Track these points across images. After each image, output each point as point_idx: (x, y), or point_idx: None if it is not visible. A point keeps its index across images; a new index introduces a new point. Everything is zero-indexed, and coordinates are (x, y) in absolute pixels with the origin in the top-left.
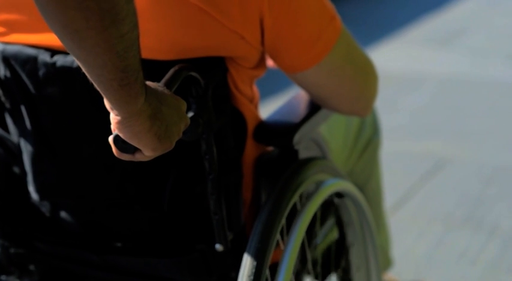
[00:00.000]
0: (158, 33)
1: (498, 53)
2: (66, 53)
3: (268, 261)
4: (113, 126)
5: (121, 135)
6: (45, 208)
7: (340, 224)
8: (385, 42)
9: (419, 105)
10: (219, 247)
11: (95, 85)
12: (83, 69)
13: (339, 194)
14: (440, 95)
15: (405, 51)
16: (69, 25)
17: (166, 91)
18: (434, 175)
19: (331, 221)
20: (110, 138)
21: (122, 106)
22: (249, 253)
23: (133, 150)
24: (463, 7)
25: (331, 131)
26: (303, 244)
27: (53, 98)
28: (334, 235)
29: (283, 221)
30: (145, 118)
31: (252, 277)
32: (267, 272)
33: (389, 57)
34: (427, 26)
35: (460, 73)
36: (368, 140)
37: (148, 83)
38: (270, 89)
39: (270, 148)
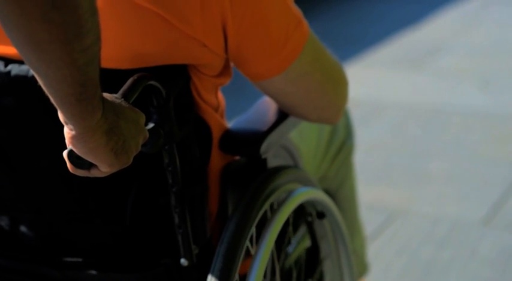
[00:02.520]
0: (116, 42)
1: (473, 77)
2: (20, 62)
3: (235, 276)
4: (67, 141)
5: (75, 150)
6: (4, 222)
7: (312, 233)
8: (351, 62)
9: (375, 140)
10: (184, 261)
11: (51, 99)
12: (40, 83)
13: (320, 214)
14: (401, 127)
15: (370, 74)
16: (31, 37)
17: (124, 103)
18: (382, 232)
19: (302, 229)
20: (65, 153)
21: (78, 121)
22: (214, 270)
23: (88, 166)
24: (440, 24)
25: (303, 136)
26: (274, 254)
27: (8, 109)
28: (306, 243)
29: (253, 230)
30: (101, 133)
31: None
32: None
33: (352, 79)
34: (399, 44)
35: (427, 101)
36: (341, 144)
37: (105, 95)
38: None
39: (237, 157)
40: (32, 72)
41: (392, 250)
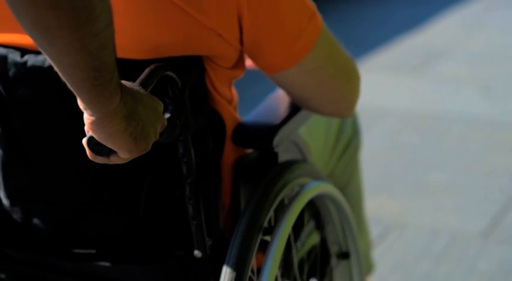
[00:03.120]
0: (133, 32)
1: (474, 83)
2: (37, 52)
3: (249, 270)
4: (86, 127)
5: (95, 136)
6: (17, 214)
7: (320, 229)
8: None
9: (372, 149)
10: (197, 253)
11: (68, 85)
12: (55, 68)
13: (345, 255)
14: (400, 135)
15: (370, 79)
16: (40, 23)
17: (142, 91)
18: (377, 245)
19: (311, 225)
20: (84, 141)
21: (96, 106)
22: (228, 261)
23: (108, 152)
24: (442, 28)
25: (311, 133)
26: (287, 247)
27: (24, 100)
28: (315, 238)
29: (266, 224)
30: (120, 118)
31: None
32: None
33: None
34: (399, 49)
35: (427, 107)
36: (348, 141)
37: (123, 82)
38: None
39: (249, 151)
40: (48, 62)
41: (389, 264)
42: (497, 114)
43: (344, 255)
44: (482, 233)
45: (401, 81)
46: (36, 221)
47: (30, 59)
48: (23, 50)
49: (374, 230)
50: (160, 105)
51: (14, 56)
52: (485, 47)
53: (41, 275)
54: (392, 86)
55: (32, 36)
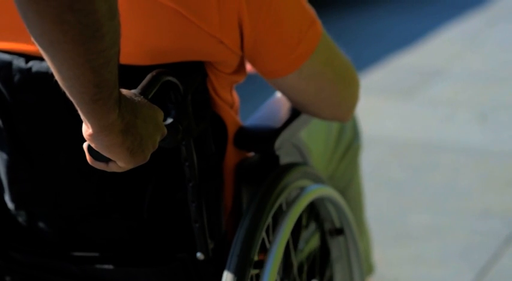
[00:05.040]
0: (135, 38)
1: (469, 108)
2: (41, 59)
3: (250, 271)
4: (85, 137)
5: (93, 146)
6: (22, 218)
7: (321, 231)
8: None
9: None
10: (200, 255)
11: (67, 95)
12: (56, 77)
13: (339, 231)
14: (385, 167)
15: (358, 103)
16: (46, 36)
17: (142, 101)
18: None
19: (312, 227)
20: (84, 145)
21: (93, 120)
22: (230, 263)
23: (107, 159)
24: (439, 44)
25: (312, 136)
26: (287, 250)
27: (29, 105)
28: (316, 240)
29: (266, 226)
30: (117, 133)
31: None
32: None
33: None
34: (392, 68)
35: (415, 136)
36: (348, 144)
37: (124, 91)
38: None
39: (251, 154)
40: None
41: None
42: (493, 143)
43: (338, 231)
44: None
45: (391, 105)
46: (40, 224)
47: (35, 65)
48: (28, 56)
49: None
50: (161, 115)
51: (19, 62)
52: (484, 66)
53: (46, 278)
54: (381, 110)
55: (38, 46)
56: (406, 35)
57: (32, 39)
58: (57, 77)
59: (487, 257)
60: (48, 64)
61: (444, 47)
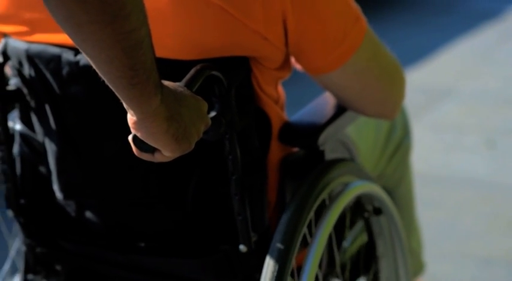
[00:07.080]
0: (180, 34)
1: (476, 133)
2: None
3: (291, 263)
4: (130, 126)
5: (138, 135)
6: (71, 208)
7: (369, 229)
8: None
9: None
10: (243, 248)
11: (107, 83)
12: (93, 66)
13: (377, 210)
14: None
15: None
16: (71, 19)
17: (186, 91)
18: None
19: (360, 225)
20: (130, 137)
21: (136, 106)
22: (271, 255)
23: (152, 150)
24: (448, 60)
25: (360, 133)
26: (331, 246)
27: (77, 97)
28: (363, 239)
29: (309, 221)
30: (161, 120)
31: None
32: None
33: None
34: None
35: (417, 166)
36: (399, 143)
37: (167, 83)
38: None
39: (296, 149)
40: None
41: None
42: (500, 175)
43: (376, 211)
44: None
45: None
46: (88, 214)
47: (83, 58)
48: (76, 50)
49: None
50: (205, 105)
51: (68, 55)
52: (495, 84)
53: (94, 267)
54: None
55: (67, 33)
56: (415, 50)
57: (62, 28)
58: (93, 64)
59: None
60: (82, 51)
61: (454, 64)
